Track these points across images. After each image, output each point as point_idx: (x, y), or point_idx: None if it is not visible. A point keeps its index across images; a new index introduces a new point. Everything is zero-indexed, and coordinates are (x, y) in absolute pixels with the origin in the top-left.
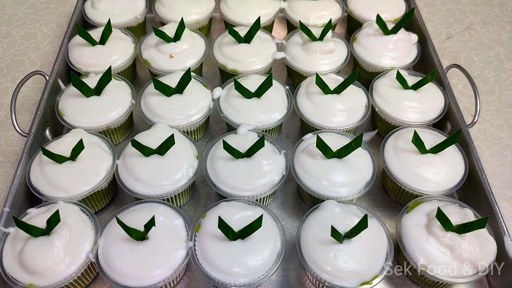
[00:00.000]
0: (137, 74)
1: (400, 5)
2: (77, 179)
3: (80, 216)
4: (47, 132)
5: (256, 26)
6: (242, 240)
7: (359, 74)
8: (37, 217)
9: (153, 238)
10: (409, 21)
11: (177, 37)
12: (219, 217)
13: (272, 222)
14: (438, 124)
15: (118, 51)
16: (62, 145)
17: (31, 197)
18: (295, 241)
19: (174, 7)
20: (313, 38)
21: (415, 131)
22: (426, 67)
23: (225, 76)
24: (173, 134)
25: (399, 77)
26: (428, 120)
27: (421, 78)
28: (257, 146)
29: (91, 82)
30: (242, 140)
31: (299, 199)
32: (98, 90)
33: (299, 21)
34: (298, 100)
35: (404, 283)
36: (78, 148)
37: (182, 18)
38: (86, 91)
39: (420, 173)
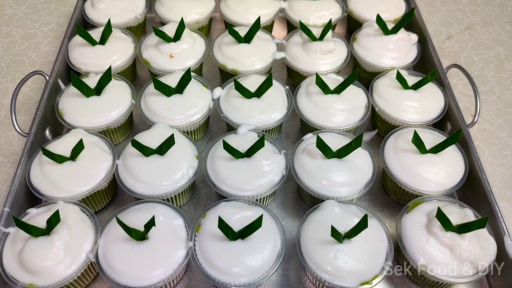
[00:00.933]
0: (137, 74)
1: (400, 5)
2: (77, 179)
3: (80, 216)
4: (47, 132)
5: (256, 26)
6: (242, 240)
7: (359, 74)
8: (37, 217)
9: (153, 238)
10: (409, 21)
11: (177, 37)
12: (219, 217)
13: (272, 222)
14: (438, 124)
15: (118, 51)
16: (62, 145)
17: (31, 197)
18: (295, 241)
19: (174, 7)
20: (313, 38)
21: (415, 131)
22: (426, 67)
23: (225, 76)
24: (173, 134)
25: (399, 77)
26: (428, 120)
27: (421, 78)
28: (257, 146)
29: (91, 82)
30: (242, 140)
31: (299, 199)
32: (98, 90)
33: (299, 21)
34: (298, 100)
35: (404, 283)
36: (78, 148)
37: (182, 18)
38: (86, 91)
39: (420, 173)
